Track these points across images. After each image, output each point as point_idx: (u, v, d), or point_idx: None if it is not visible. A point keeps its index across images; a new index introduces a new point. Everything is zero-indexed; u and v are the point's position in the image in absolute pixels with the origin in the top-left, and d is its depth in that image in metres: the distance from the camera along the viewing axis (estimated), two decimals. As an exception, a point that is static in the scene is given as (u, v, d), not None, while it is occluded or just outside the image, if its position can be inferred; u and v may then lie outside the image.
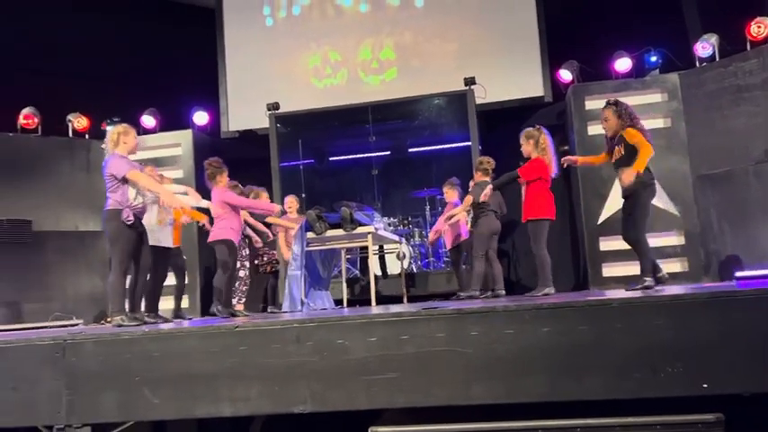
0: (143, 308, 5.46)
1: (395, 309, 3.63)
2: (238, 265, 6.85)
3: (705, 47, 7.63)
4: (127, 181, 4.78)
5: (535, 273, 5.65)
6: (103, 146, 8.92)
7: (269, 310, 7.07)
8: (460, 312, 3.04)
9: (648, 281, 4.88)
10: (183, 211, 6.09)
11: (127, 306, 4.99)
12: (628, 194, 4.98)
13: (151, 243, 5.43)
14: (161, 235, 5.70)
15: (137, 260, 4.98)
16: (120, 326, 4.59)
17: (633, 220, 4.99)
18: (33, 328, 7.53)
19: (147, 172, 5.57)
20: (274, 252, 7.30)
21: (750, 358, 2.74)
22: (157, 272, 5.66)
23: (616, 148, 5.07)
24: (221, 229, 5.94)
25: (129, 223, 4.72)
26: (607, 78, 8.12)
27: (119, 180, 4.77)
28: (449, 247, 7.29)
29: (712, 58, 7.64)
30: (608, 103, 5.20)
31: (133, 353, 3.18)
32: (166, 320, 5.49)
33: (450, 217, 6.76)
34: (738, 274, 6.66)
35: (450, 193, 7.24)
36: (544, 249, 5.48)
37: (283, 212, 7.21)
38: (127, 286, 5.03)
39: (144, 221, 5.08)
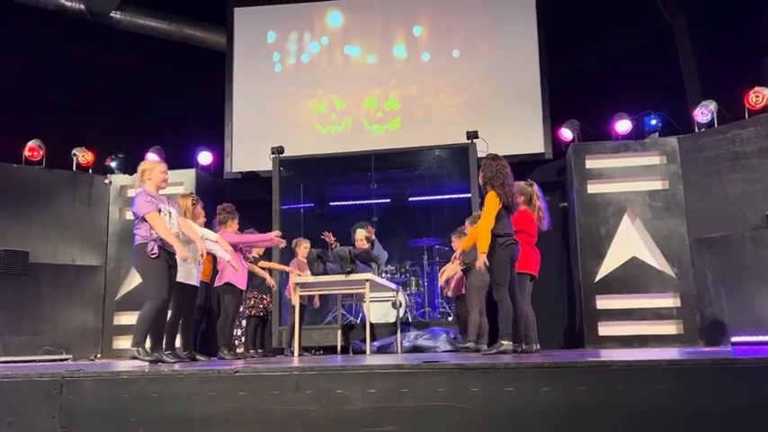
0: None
1: (395, 360, 3.62)
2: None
3: (704, 113, 7.80)
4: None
5: (539, 328, 5.56)
6: (106, 181, 9.03)
7: (250, 353, 7.01)
8: (461, 368, 3.03)
9: (506, 344, 4.74)
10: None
11: (149, 341, 4.88)
12: (488, 256, 4.96)
13: (181, 280, 5.34)
14: (187, 272, 5.46)
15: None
16: (134, 357, 4.62)
17: (493, 280, 4.96)
18: (24, 362, 7.46)
19: (197, 211, 5.65)
20: (264, 296, 7.28)
21: (749, 428, 2.74)
22: (180, 309, 5.48)
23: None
24: (225, 272, 5.94)
25: (153, 256, 4.72)
26: (607, 139, 8.28)
27: (140, 217, 4.81)
28: (452, 294, 7.26)
29: (711, 124, 7.81)
30: (485, 157, 5.21)
31: (131, 393, 3.16)
32: (182, 360, 5.22)
33: (450, 267, 6.85)
34: (734, 339, 6.70)
35: (458, 243, 7.30)
36: (520, 304, 5.17)
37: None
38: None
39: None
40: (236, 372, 3.19)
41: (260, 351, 7.15)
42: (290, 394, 3.11)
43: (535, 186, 5.72)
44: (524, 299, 5.27)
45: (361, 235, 7.28)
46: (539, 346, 5.26)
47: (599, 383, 2.89)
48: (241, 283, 6.18)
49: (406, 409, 3.01)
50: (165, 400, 3.16)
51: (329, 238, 6.97)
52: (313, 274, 6.65)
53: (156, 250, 4.74)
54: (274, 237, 6.49)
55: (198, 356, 5.85)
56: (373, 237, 7.15)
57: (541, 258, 5.61)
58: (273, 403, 3.11)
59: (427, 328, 7.44)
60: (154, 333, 4.92)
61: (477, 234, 5.04)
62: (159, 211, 4.85)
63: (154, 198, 4.88)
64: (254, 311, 7.18)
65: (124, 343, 8.58)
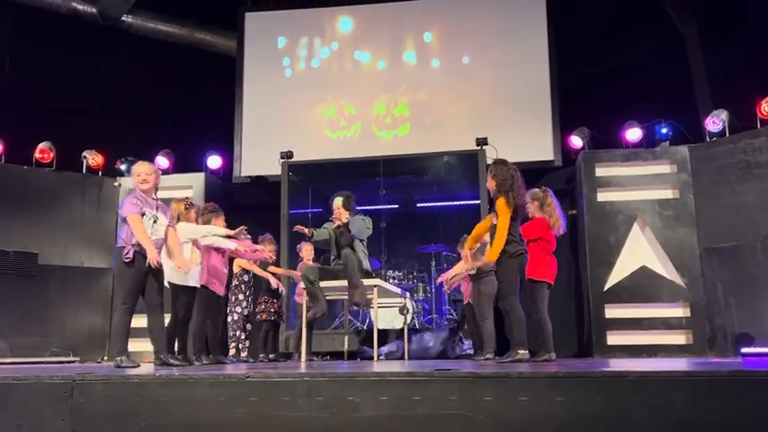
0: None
1: (408, 367, 3.60)
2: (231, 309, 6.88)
3: (715, 122, 7.76)
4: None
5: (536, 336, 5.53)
6: (115, 183, 9.06)
7: (260, 358, 6.98)
8: (475, 376, 3.01)
9: (522, 353, 4.70)
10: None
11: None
12: (498, 264, 4.96)
13: (178, 282, 5.41)
14: (188, 274, 5.44)
15: (144, 298, 4.80)
16: (118, 367, 4.52)
17: (503, 289, 4.94)
18: (31, 363, 7.45)
19: (191, 216, 5.75)
20: (275, 300, 7.25)
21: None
22: (180, 312, 5.55)
23: (492, 213, 5.08)
24: (201, 276, 5.82)
25: (127, 261, 4.62)
26: (617, 147, 8.24)
27: (123, 219, 4.78)
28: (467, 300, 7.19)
29: (722, 133, 7.76)
30: (493, 162, 5.19)
31: (142, 397, 3.14)
32: (185, 365, 5.17)
33: (456, 273, 6.79)
34: (744, 350, 6.63)
35: (464, 252, 7.23)
36: (544, 313, 5.24)
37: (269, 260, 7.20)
38: (132, 325, 4.85)
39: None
40: (248, 377, 3.17)
41: (271, 356, 7.12)
42: (301, 400, 3.08)
43: (549, 193, 5.66)
44: (544, 307, 5.25)
45: (339, 203, 6.53)
46: (554, 356, 5.21)
47: (614, 394, 2.86)
48: (217, 288, 5.97)
49: (417, 416, 2.99)
50: (175, 404, 3.15)
51: (302, 229, 6.52)
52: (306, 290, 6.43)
53: (130, 255, 4.63)
54: (268, 255, 6.67)
55: (194, 360, 5.83)
56: (346, 218, 6.44)
57: (551, 266, 5.56)
58: (284, 409, 3.09)
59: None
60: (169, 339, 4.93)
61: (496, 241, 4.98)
62: (143, 215, 4.76)
63: (140, 201, 4.81)
64: (264, 316, 7.15)
65: (131, 346, 8.53)
